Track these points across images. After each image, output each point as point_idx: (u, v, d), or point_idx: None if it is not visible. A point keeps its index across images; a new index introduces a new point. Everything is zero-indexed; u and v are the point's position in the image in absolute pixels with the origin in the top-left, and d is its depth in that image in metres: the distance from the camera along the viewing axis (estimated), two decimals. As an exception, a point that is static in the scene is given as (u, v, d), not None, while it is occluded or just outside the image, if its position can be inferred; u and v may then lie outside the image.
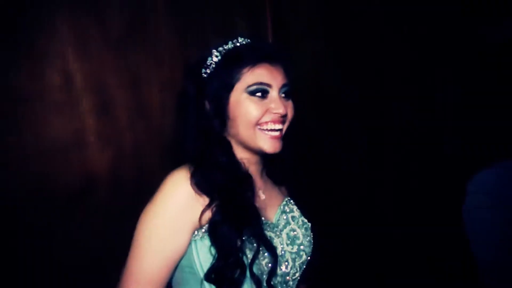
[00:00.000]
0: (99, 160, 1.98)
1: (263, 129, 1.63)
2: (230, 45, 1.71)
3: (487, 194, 1.86)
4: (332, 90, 2.85)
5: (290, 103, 1.69)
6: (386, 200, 3.27)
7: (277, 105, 1.61)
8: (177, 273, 1.63)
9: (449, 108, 3.51)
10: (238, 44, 1.72)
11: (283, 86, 1.65)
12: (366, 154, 3.16)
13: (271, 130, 1.63)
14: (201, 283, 1.57)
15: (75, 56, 1.92)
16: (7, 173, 1.80)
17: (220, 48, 1.69)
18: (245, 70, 1.62)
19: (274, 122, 1.62)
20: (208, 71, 1.68)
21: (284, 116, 1.64)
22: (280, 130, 1.64)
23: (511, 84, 2.91)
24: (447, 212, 2.89)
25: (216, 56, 1.68)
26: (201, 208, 1.54)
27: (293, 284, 1.70)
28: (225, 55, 1.69)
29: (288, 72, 1.70)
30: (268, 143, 1.61)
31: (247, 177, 1.67)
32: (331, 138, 2.84)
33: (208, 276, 1.55)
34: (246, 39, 1.73)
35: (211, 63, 1.68)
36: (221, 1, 2.36)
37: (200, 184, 1.54)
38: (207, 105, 1.68)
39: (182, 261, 1.59)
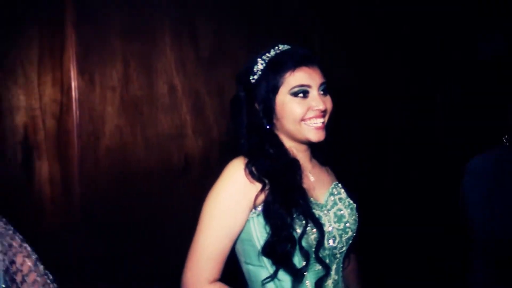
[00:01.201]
0: (194, 147, 2.49)
1: (307, 124, 1.72)
2: (272, 53, 1.79)
3: (478, 174, 2.24)
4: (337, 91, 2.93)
5: (328, 98, 1.77)
6: (386, 200, 3.21)
7: (317, 102, 1.69)
8: (239, 246, 1.74)
9: (449, 108, 3.42)
10: (278, 52, 1.79)
11: (321, 84, 1.73)
12: (366, 154, 3.15)
13: (315, 123, 1.72)
14: (259, 255, 1.69)
15: (177, 72, 2.45)
16: (140, 155, 2.36)
17: (264, 57, 1.79)
18: (287, 74, 1.71)
19: (317, 117, 1.71)
20: (255, 77, 1.78)
21: (324, 111, 1.73)
22: (322, 122, 1.73)
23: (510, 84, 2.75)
24: (447, 212, 2.94)
25: (262, 64, 1.77)
26: (255, 193, 1.65)
27: (340, 257, 1.79)
28: (269, 62, 1.77)
29: (323, 71, 1.78)
30: (314, 134, 1.71)
31: (294, 162, 1.77)
32: (331, 138, 2.78)
33: (264, 250, 1.66)
34: (285, 46, 1.82)
35: (257, 70, 1.78)
36: (281, 33, 2.75)
37: (252, 173, 1.65)
38: (257, 107, 1.78)
39: (242, 235, 1.70)
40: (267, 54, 1.79)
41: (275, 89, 1.73)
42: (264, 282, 1.70)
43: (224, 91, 2.57)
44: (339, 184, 1.90)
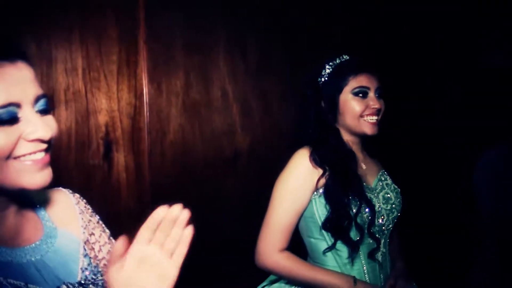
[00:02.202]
0: (242, 142, 2.70)
1: (365, 119, 1.91)
2: (338, 61, 1.99)
3: (487, 169, 2.27)
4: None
5: (382, 101, 1.95)
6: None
7: (374, 102, 1.90)
8: (303, 223, 1.92)
9: (449, 108, 3.16)
10: (343, 60, 1.98)
11: (377, 88, 1.93)
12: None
13: (371, 119, 1.91)
14: (320, 230, 1.87)
15: (229, 80, 2.66)
16: (198, 148, 2.60)
17: (331, 63, 1.99)
18: (350, 77, 1.91)
19: (372, 114, 1.91)
20: (323, 79, 1.97)
21: (379, 110, 1.92)
22: (377, 119, 1.92)
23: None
24: (448, 212, 2.96)
25: (328, 69, 1.97)
26: (317, 177, 1.83)
27: (387, 232, 1.96)
28: (335, 68, 1.96)
29: (380, 78, 1.96)
30: (369, 128, 1.91)
31: (351, 153, 1.95)
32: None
33: (324, 225, 1.84)
34: (348, 56, 2.01)
35: (324, 74, 1.97)
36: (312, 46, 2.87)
37: (316, 160, 1.83)
38: (323, 104, 1.97)
39: (306, 213, 1.87)
40: (334, 61, 2.00)
41: (339, 89, 1.93)
42: (324, 252, 1.89)
43: (267, 96, 2.77)
44: (385, 172, 2.09)
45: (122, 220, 2.38)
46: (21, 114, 0.99)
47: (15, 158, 1.00)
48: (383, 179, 2.05)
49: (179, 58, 2.56)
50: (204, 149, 2.64)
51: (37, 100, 1.03)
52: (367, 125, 1.92)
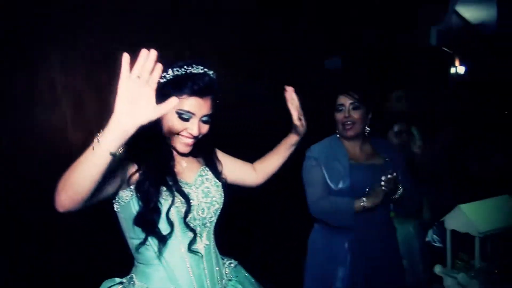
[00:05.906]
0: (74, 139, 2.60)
1: (180, 138, 1.88)
2: (179, 71, 1.82)
3: (313, 158, 2.58)
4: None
5: (207, 126, 1.92)
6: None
7: (193, 129, 1.85)
8: (124, 224, 1.89)
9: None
10: (185, 71, 1.83)
11: (205, 115, 1.87)
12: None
13: (186, 141, 1.88)
14: (134, 227, 1.84)
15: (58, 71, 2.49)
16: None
17: (174, 69, 1.81)
18: (184, 95, 1.80)
19: (189, 137, 1.87)
20: (162, 81, 1.78)
21: (197, 135, 1.88)
22: (193, 141, 1.90)
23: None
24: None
25: (169, 75, 1.80)
26: (130, 172, 1.79)
27: (211, 225, 1.99)
28: (175, 78, 1.82)
29: (213, 102, 1.90)
30: (182, 147, 1.89)
31: (168, 153, 1.94)
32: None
33: (135, 221, 1.81)
34: (192, 68, 1.83)
35: (164, 77, 1.81)
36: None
37: (130, 157, 1.77)
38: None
39: (125, 216, 1.86)
40: (178, 69, 1.82)
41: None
42: (137, 248, 1.86)
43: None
44: (207, 168, 2.07)
45: None
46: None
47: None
48: (203, 174, 2.05)
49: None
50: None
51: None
52: (180, 145, 1.88)
